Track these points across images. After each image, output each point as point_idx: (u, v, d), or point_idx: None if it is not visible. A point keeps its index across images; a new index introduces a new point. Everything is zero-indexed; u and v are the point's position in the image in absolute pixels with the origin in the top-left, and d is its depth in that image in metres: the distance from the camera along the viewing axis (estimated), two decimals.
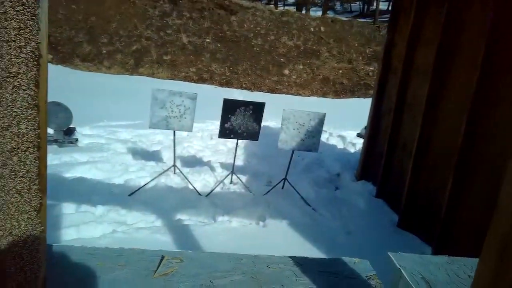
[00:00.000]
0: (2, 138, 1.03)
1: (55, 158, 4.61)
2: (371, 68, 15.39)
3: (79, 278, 1.47)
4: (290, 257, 1.72)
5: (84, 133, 5.89)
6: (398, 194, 4.15)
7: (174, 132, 4.38)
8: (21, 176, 1.07)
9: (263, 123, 5.25)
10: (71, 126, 5.46)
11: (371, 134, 5.26)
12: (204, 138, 6.71)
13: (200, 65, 14.08)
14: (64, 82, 9.44)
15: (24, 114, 1.06)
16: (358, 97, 14.47)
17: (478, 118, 3.21)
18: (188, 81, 13.56)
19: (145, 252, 1.71)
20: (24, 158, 1.07)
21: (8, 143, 1.04)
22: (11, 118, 1.04)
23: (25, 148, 1.06)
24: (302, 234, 3.50)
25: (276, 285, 1.51)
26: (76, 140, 5.43)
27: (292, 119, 4.34)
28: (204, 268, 1.59)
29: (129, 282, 1.48)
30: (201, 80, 13.82)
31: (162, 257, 1.66)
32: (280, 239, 3.37)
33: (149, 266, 1.59)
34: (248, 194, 4.38)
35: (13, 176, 1.06)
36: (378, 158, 4.90)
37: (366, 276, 1.61)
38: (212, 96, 9.50)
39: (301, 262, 1.68)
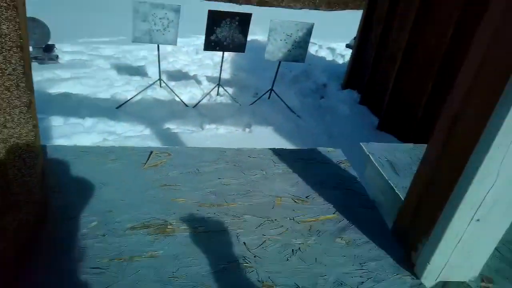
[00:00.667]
0: None
1: (37, 75, 4.53)
2: None
3: (74, 171, 1.60)
4: (270, 148, 1.87)
5: (64, 50, 5.69)
6: (381, 100, 4.29)
7: (158, 46, 4.27)
8: (8, 74, 1.12)
9: (250, 37, 5.10)
10: (49, 43, 5.25)
11: (360, 44, 5.19)
12: (190, 53, 6.54)
13: None
14: None
15: (4, 15, 1.07)
16: (352, 8, 13.77)
17: (465, 27, 3.21)
18: None
19: (134, 149, 1.84)
20: (9, 57, 1.11)
21: None
22: None
23: (8, 48, 1.10)
24: (286, 138, 3.68)
25: (256, 170, 1.67)
26: (57, 57, 5.27)
27: (279, 29, 4.22)
28: (191, 159, 1.74)
29: (121, 173, 1.62)
30: None
31: (151, 152, 1.80)
32: (265, 143, 3.53)
33: (140, 160, 1.73)
34: (235, 105, 4.47)
35: (0, 74, 1.11)
36: (365, 68, 4.92)
37: (337, 161, 1.78)
38: (198, 10, 8.95)
39: (279, 152, 1.83)
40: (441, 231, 1.02)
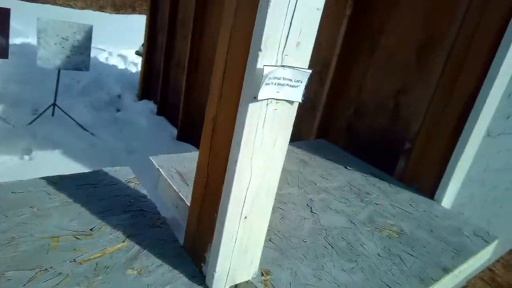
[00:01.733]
0: None
1: None
2: None
3: None
4: (42, 178, 1.58)
5: None
6: (176, 109, 4.40)
7: None
8: None
9: (21, 39, 4.25)
10: None
11: (148, 51, 5.16)
12: None
13: None
14: None
15: None
16: (140, 13, 13.62)
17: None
18: None
19: None
20: None
21: None
22: None
23: None
24: (78, 161, 3.28)
25: (24, 208, 1.38)
26: None
27: (50, 31, 3.68)
28: None
29: None
30: None
31: None
32: (52, 171, 3.05)
33: None
34: (6, 126, 3.64)
35: None
36: (157, 76, 4.94)
37: (126, 180, 1.68)
38: None
39: (56, 181, 1.58)
40: (219, 235, 1.09)
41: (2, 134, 3.48)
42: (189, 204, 1.53)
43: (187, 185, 1.67)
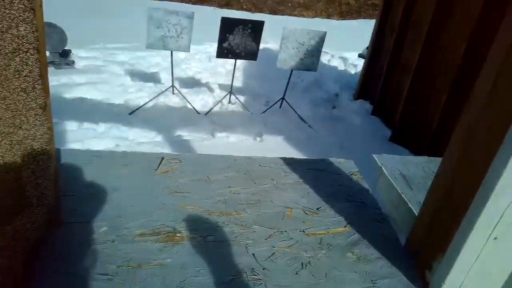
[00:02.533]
0: (2, 41, 1.08)
1: (54, 80, 4.61)
2: None
3: (85, 175, 1.62)
4: (281, 158, 1.86)
5: (80, 55, 5.80)
6: (394, 111, 4.24)
7: (172, 52, 4.32)
8: (25, 76, 1.13)
9: (263, 45, 5.13)
10: (66, 48, 5.36)
11: (373, 53, 5.16)
12: (203, 60, 6.60)
13: None
14: (55, 2, 8.98)
15: (21, 16, 1.08)
16: (365, 18, 13.77)
17: (479, 38, 3.18)
18: (185, 3, 12.82)
19: (146, 154, 1.85)
20: (26, 59, 1.12)
21: (9, 45, 1.08)
22: (9, 21, 1.07)
23: (25, 50, 1.11)
24: (297, 148, 3.66)
25: (267, 180, 1.66)
26: (73, 62, 5.38)
27: (291, 37, 4.24)
28: (201, 166, 1.73)
29: (133, 178, 1.63)
30: (199, 1, 13.04)
31: (162, 158, 1.80)
32: (276, 152, 3.53)
33: (151, 166, 1.73)
34: (246, 113, 4.47)
35: (17, 76, 1.12)
36: (377, 78, 4.89)
37: (349, 173, 1.75)
38: (211, 18, 9.06)
39: (290, 162, 1.82)
40: (457, 249, 0.99)
41: (243, 119, 4.31)
42: (412, 208, 1.45)
43: (411, 188, 1.58)
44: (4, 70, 1.13)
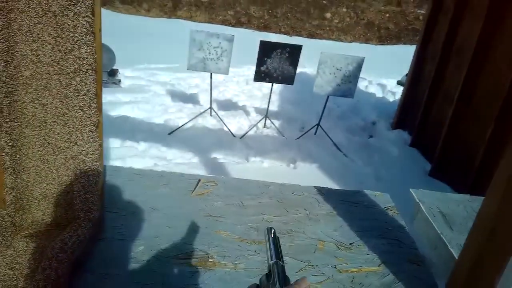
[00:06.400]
0: (65, 62, 1.19)
1: None
2: (422, 11, 14.15)
3: (127, 193, 1.70)
4: (314, 187, 1.85)
5: (126, 75, 6.15)
6: (434, 143, 4.09)
7: (211, 74, 4.48)
8: (83, 95, 1.24)
9: (299, 69, 5.19)
10: (114, 67, 5.72)
11: (412, 81, 5.05)
12: (240, 83, 6.77)
13: (238, 8, 13.68)
14: (105, 24, 9.65)
15: (83, 39, 1.19)
16: (404, 43, 13.57)
17: None
18: (226, 25, 13.32)
19: (184, 175, 1.91)
20: (85, 79, 1.23)
21: (71, 65, 1.20)
22: (73, 43, 1.18)
23: (85, 70, 1.22)
24: (331, 178, 3.62)
25: (300, 209, 1.66)
26: (119, 81, 5.71)
27: (329, 62, 4.27)
28: (236, 191, 1.77)
29: (171, 198, 1.69)
30: (238, 23, 13.52)
31: (199, 180, 1.86)
32: (309, 181, 3.51)
33: (188, 187, 1.79)
34: (281, 138, 4.50)
35: (76, 94, 1.23)
36: (416, 107, 4.77)
37: (385, 207, 1.71)
38: (250, 41, 9.33)
39: (324, 192, 1.81)
40: None
41: (277, 144, 4.33)
42: (452, 251, 1.39)
43: (451, 229, 1.52)
44: (65, 88, 1.25)
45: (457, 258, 1.27)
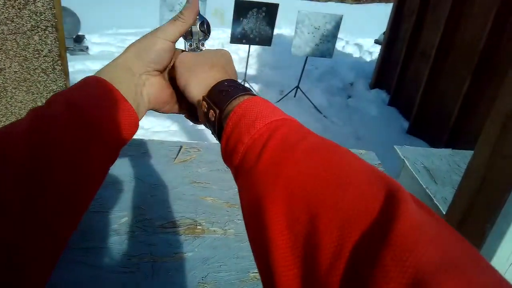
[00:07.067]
0: (20, 19, 1.05)
1: (69, 66, 4.61)
2: None
3: None
4: None
5: (93, 41, 5.80)
6: (411, 101, 4.14)
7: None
8: (44, 56, 1.11)
9: (276, 31, 5.03)
10: (80, 33, 5.35)
11: (389, 39, 5.02)
12: (215, 47, 6.53)
13: None
14: None
15: None
16: (380, 1, 13.41)
17: (505, 22, 3.02)
18: None
19: (164, 142, 1.83)
20: (45, 37, 1.09)
21: (27, 22, 1.06)
22: None
23: (44, 27, 1.08)
24: None
25: None
26: (87, 48, 5.38)
27: (307, 22, 4.14)
28: (220, 156, 1.70)
29: (152, 167, 1.61)
30: None
31: (181, 147, 1.78)
32: None
33: (169, 154, 1.71)
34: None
35: (36, 56, 1.10)
36: (394, 66, 4.77)
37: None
38: (224, 0, 8.94)
39: None
40: (493, 249, 0.94)
41: None
42: (438, 204, 1.40)
43: (436, 183, 1.53)
44: (23, 50, 1.11)
45: (443, 211, 1.28)
